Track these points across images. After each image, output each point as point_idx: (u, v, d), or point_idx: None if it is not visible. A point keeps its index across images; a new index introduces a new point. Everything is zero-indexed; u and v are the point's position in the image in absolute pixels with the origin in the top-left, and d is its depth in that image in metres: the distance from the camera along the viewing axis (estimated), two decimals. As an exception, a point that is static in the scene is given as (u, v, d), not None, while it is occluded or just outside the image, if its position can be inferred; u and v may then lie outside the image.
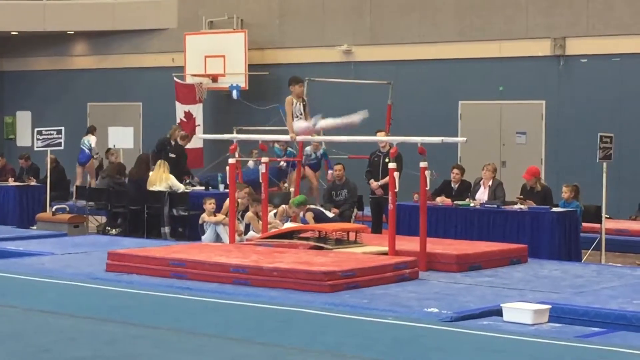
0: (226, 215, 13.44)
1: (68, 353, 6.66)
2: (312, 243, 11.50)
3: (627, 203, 17.41)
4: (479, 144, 18.46)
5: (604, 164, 14.07)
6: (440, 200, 14.28)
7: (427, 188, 11.24)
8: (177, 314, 8.29)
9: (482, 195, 14.20)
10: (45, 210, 16.79)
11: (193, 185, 16.90)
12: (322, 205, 14.68)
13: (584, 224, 13.98)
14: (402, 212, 13.48)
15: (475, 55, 19.41)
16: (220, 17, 22.19)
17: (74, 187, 18.87)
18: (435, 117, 19.43)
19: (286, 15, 21.73)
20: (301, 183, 17.04)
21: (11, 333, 7.32)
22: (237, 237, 12.59)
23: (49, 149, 17.27)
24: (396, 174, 11.03)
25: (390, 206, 11.05)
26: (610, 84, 18.23)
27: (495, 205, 13.66)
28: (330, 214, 14.01)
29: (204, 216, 14.11)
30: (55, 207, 16.61)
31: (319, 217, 13.46)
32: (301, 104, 11.84)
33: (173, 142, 17.53)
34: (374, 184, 14.41)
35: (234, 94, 21.12)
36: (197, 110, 21.50)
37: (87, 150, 20.31)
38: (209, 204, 14.09)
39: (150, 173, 16.42)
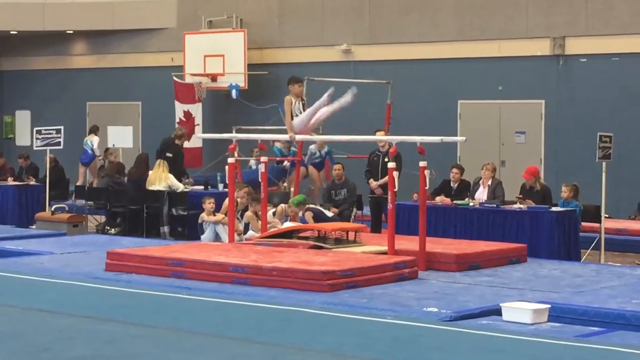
0: (225, 214, 13.44)
1: (67, 352, 6.66)
2: (311, 242, 11.50)
3: (627, 202, 17.41)
4: (479, 144, 18.47)
5: (603, 164, 14.07)
6: (440, 199, 14.28)
7: (427, 187, 11.23)
8: (176, 314, 8.29)
9: (482, 194, 14.20)
10: (44, 210, 16.78)
11: (186, 186, 16.85)
12: (321, 205, 14.67)
13: (583, 224, 13.98)
14: (402, 212, 13.48)
15: (475, 54, 19.41)
16: (220, 17, 22.19)
17: (74, 186, 18.86)
18: (434, 116, 19.44)
19: (285, 14, 21.73)
20: (306, 181, 17.04)
21: (10, 332, 7.32)
22: (236, 237, 12.59)
23: (48, 148, 17.27)
24: (395, 174, 11.02)
25: (390, 206, 11.05)
26: (609, 84, 18.24)
27: (495, 205, 13.66)
28: (329, 214, 14.01)
29: (203, 216, 14.11)
30: (54, 207, 16.60)
31: (319, 217, 13.46)
32: (300, 103, 11.84)
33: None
34: (373, 183, 14.41)
35: (233, 93, 21.12)
36: (196, 110, 21.50)
37: (89, 151, 20.32)
38: (208, 204, 14.09)
39: (150, 172, 16.43)
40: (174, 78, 21.63)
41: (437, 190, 14.71)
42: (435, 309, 8.45)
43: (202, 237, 14.00)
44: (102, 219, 17.32)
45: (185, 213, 15.75)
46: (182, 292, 9.28)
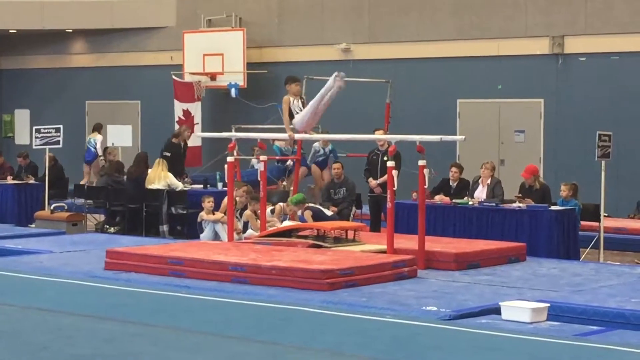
0: (225, 213, 13.44)
1: (66, 351, 6.66)
2: (310, 241, 11.50)
3: (626, 201, 17.41)
4: (478, 143, 18.47)
5: (603, 163, 14.07)
6: (439, 198, 14.28)
7: (426, 186, 11.23)
8: (175, 312, 8.29)
9: (481, 193, 14.20)
10: (43, 209, 16.78)
11: (185, 184, 16.85)
12: (320, 204, 14.68)
13: (582, 223, 13.98)
14: (401, 211, 13.48)
15: (474, 53, 19.41)
16: (219, 16, 22.18)
17: (73, 185, 18.86)
18: (433, 115, 19.44)
19: (285, 13, 21.72)
20: (306, 180, 17.03)
21: (9, 331, 7.32)
22: (235, 236, 12.59)
23: (47, 147, 17.26)
24: (395, 173, 11.02)
25: (389, 204, 11.04)
26: (608, 83, 18.24)
27: (494, 204, 13.66)
28: (328, 213, 14.01)
29: (203, 214, 14.11)
30: (53, 205, 16.61)
31: (318, 216, 13.47)
32: (299, 100, 11.83)
33: (182, 143, 17.65)
34: (372, 182, 14.41)
35: (233, 92, 21.11)
36: (195, 109, 21.50)
37: (93, 149, 20.31)
38: (208, 202, 14.10)
39: (149, 171, 16.43)
40: (173, 77, 21.62)
41: (436, 189, 14.71)
42: (435, 308, 8.45)
43: (202, 236, 14.00)
44: (102, 217, 17.32)
45: (185, 212, 15.75)
46: (181, 291, 9.28)
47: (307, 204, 13.75)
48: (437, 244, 11.39)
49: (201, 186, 16.84)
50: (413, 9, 20.12)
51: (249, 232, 13.25)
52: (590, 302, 8.64)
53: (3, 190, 17.89)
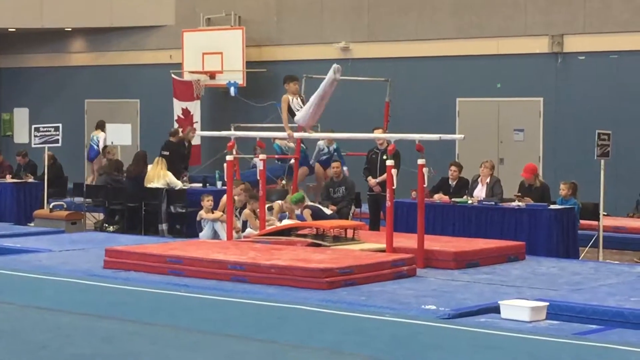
0: (224, 212, 13.44)
1: (65, 350, 6.65)
2: (309, 240, 11.50)
3: (625, 200, 17.41)
4: (477, 141, 18.47)
5: (602, 161, 14.07)
6: (438, 197, 14.27)
7: (425, 185, 11.23)
8: (174, 311, 8.29)
9: (480, 192, 14.20)
10: (42, 207, 16.78)
11: (184, 183, 16.85)
12: (319, 203, 14.68)
13: (581, 221, 13.97)
14: (400, 209, 13.47)
15: (473, 52, 19.41)
16: (218, 14, 22.17)
17: (72, 184, 18.86)
18: (433, 114, 19.43)
19: (284, 12, 21.72)
20: (308, 179, 17.01)
21: (8, 330, 7.31)
22: (234, 234, 12.59)
23: (46, 145, 17.25)
24: (394, 171, 11.02)
25: (388, 203, 11.04)
26: (608, 81, 18.24)
27: (493, 203, 13.66)
28: (328, 211, 14.01)
29: (202, 213, 14.10)
30: (52, 204, 16.59)
31: (317, 214, 13.47)
32: (299, 98, 11.83)
33: (186, 143, 17.66)
34: (371, 181, 14.41)
35: (232, 90, 21.11)
36: (194, 107, 21.49)
37: (95, 147, 20.31)
38: (207, 201, 14.09)
39: (148, 170, 16.42)
40: (173, 75, 21.62)
41: (435, 188, 14.71)
42: (434, 307, 8.45)
43: (201, 234, 13.99)
44: (101, 216, 17.32)
45: (184, 210, 15.75)
46: (180, 290, 9.28)
47: (306, 203, 13.75)
48: (437, 243, 11.39)
49: (200, 185, 16.84)
50: (412, 7, 20.11)
51: (248, 230, 13.25)
52: (589, 301, 8.64)
53: (2, 189, 17.88)
